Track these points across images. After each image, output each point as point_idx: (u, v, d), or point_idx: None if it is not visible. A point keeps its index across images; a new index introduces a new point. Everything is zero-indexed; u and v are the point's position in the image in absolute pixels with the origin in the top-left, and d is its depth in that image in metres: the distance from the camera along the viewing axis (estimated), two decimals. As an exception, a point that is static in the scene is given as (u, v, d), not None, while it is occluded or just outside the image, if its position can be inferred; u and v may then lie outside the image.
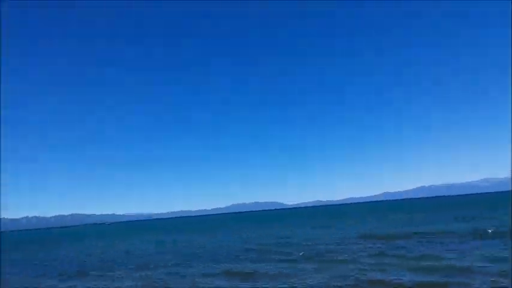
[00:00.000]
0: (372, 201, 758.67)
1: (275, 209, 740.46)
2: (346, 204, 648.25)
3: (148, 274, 25.34)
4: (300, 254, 28.67)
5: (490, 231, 32.87)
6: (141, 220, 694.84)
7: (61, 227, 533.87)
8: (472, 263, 19.76)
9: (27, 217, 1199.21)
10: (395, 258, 23.59)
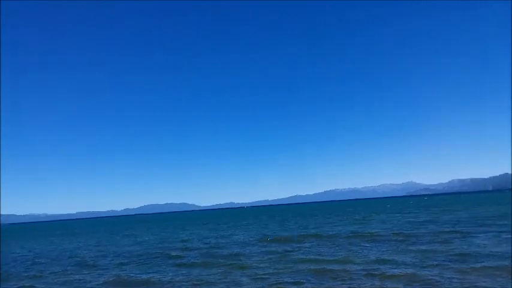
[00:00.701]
0: (283, 204, 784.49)
1: (188, 211, 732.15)
2: (259, 206, 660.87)
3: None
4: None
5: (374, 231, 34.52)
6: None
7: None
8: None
9: None
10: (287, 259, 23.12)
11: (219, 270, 21.21)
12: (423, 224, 41.99)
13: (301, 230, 45.10)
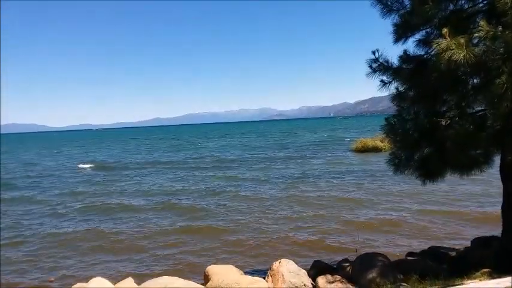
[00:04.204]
0: (142, 126, 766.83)
1: (37, 132, 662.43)
2: (117, 128, 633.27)
3: None
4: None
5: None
6: None
7: None
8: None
9: None
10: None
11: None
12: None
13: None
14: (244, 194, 17.82)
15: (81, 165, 34.85)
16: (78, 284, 6.69)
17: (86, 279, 7.40)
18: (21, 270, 10.02)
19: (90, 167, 33.76)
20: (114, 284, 6.82)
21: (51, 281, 9.48)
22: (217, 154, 40.36)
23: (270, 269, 6.66)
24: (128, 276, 7.31)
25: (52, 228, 13.85)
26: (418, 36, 6.36)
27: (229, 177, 23.21)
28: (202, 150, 46.99)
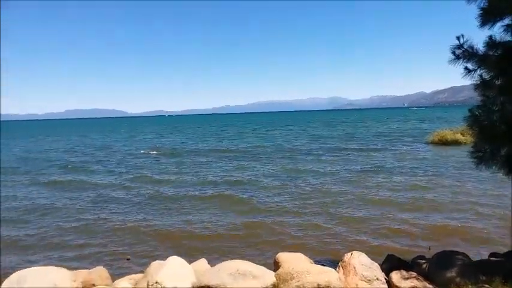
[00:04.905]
0: (212, 114, 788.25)
1: (116, 117, 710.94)
2: (187, 115, 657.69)
3: None
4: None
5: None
6: None
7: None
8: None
9: None
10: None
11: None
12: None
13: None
14: (307, 187, 17.39)
15: (147, 151, 36.40)
16: (156, 262, 7.14)
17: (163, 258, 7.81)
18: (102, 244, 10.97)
19: (156, 153, 35.10)
20: (190, 263, 7.18)
21: (128, 259, 10.19)
22: (284, 143, 40.41)
23: (341, 260, 6.62)
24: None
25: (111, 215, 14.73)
26: (506, 21, 5.93)
27: (295, 170, 22.53)
28: (269, 139, 47.26)
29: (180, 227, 12.21)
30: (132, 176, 22.11)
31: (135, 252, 10.35)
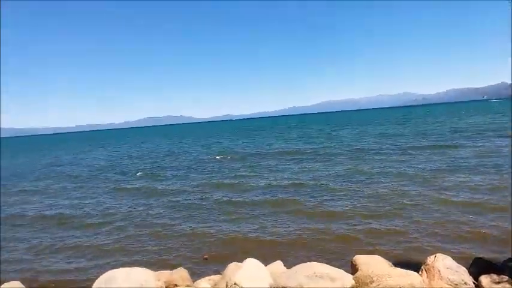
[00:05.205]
0: (279, 116, 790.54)
1: (186, 123, 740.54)
2: (255, 118, 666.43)
3: None
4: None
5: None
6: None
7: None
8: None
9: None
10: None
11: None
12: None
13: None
14: (379, 189, 16.74)
15: (216, 156, 37.24)
16: (233, 264, 7.33)
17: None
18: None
19: (224, 157, 35.84)
20: (266, 265, 7.30)
21: (205, 258, 10.56)
22: (351, 143, 39.45)
23: (424, 263, 6.33)
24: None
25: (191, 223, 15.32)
26: None
27: (364, 172, 21.69)
28: (336, 139, 46.39)
29: (252, 231, 12.43)
30: (202, 182, 22.82)
31: (210, 256, 10.74)
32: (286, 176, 22.37)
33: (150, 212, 16.43)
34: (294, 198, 16.54)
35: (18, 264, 11.41)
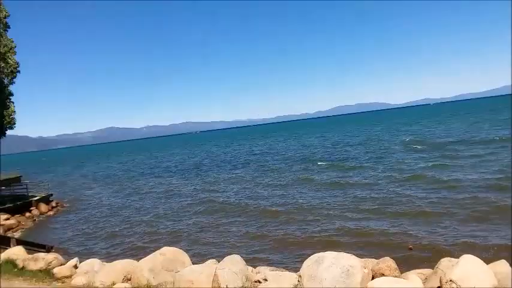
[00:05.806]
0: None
1: (379, 110, 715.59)
2: (458, 101, 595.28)
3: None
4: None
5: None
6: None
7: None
8: None
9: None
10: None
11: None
12: None
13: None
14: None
15: (409, 145, 34.95)
16: (446, 259, 6.75)
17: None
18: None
19: (418, 146, 33.18)
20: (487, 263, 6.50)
21: (410, 248, 10.26)
22: None
23: None
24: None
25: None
26: None
27: None
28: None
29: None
30: (387, 174, 22.22)
31: (414, 247, 10.35)
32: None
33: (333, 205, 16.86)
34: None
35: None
